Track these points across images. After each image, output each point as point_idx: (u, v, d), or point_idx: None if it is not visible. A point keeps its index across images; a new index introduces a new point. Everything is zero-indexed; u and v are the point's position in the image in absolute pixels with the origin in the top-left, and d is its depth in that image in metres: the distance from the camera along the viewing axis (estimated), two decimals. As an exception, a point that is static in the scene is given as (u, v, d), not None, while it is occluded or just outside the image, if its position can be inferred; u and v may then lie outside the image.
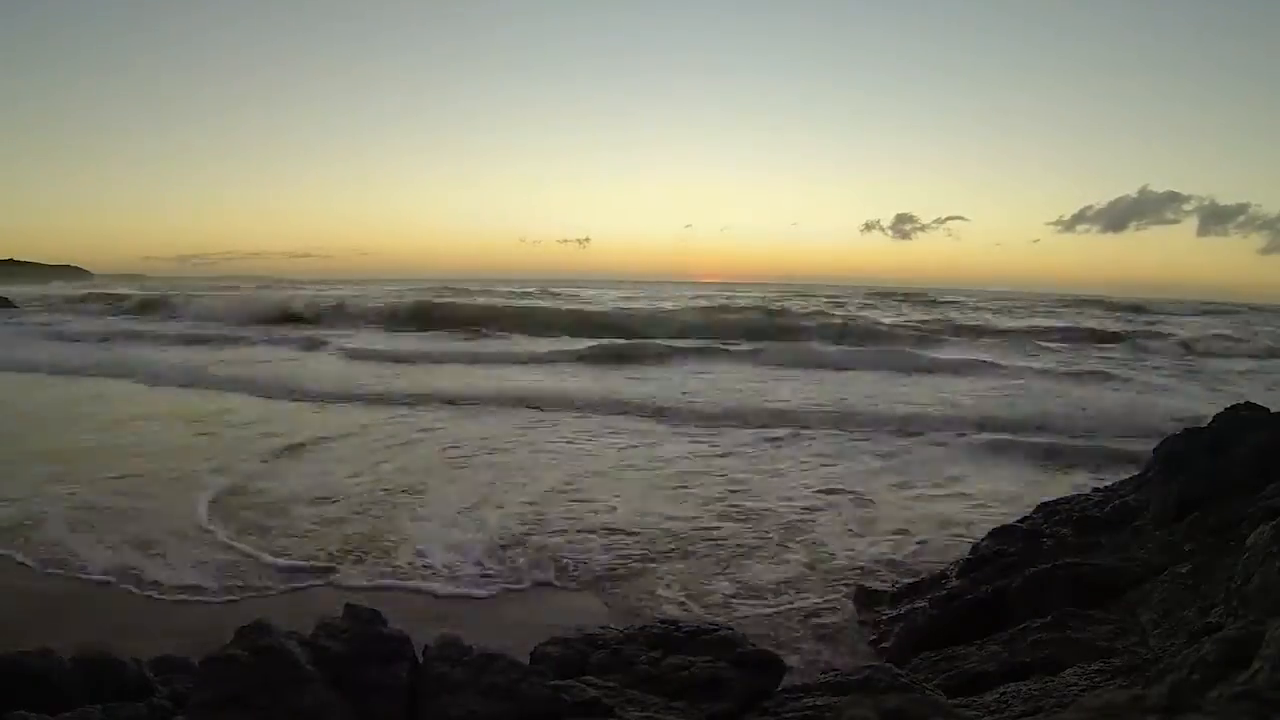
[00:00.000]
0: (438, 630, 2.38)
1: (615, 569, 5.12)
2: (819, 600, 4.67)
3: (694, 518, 6.15)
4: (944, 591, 4.25)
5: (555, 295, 40.16)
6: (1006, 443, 8.74)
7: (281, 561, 5.09)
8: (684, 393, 12.05)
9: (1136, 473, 4.90)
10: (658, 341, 19.12)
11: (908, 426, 9.72)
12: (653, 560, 5.28)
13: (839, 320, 25.94)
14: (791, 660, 3.54)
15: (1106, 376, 14.69)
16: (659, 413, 10.57)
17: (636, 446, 8.66)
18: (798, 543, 5.63)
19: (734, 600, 4.68)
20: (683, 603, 4.63)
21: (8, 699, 2.09)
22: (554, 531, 5.75)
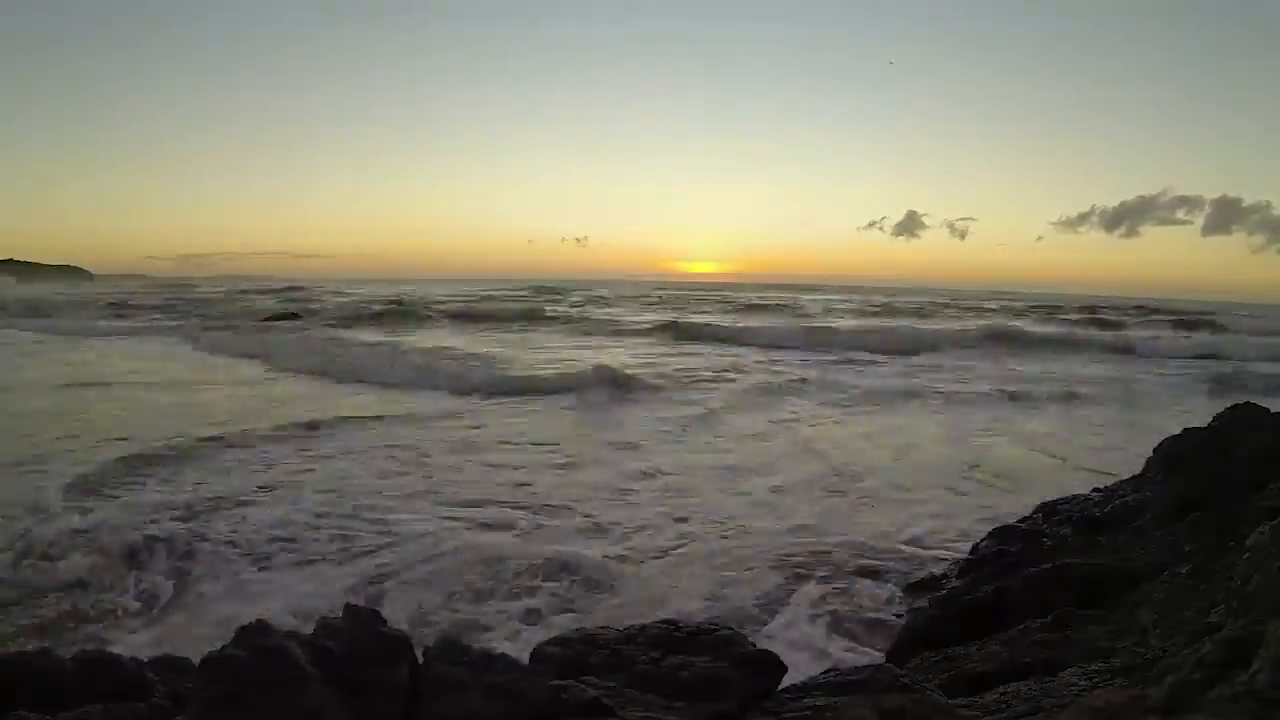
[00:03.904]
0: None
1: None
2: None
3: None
4: (944, 591, 4.25)
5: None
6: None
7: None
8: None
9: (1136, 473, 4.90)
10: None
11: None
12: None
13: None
14: (791, 660, 3.54)
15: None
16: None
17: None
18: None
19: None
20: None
21: (8, 699, 2.09)
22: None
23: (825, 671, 2.49)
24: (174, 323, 26.67)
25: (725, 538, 5.80)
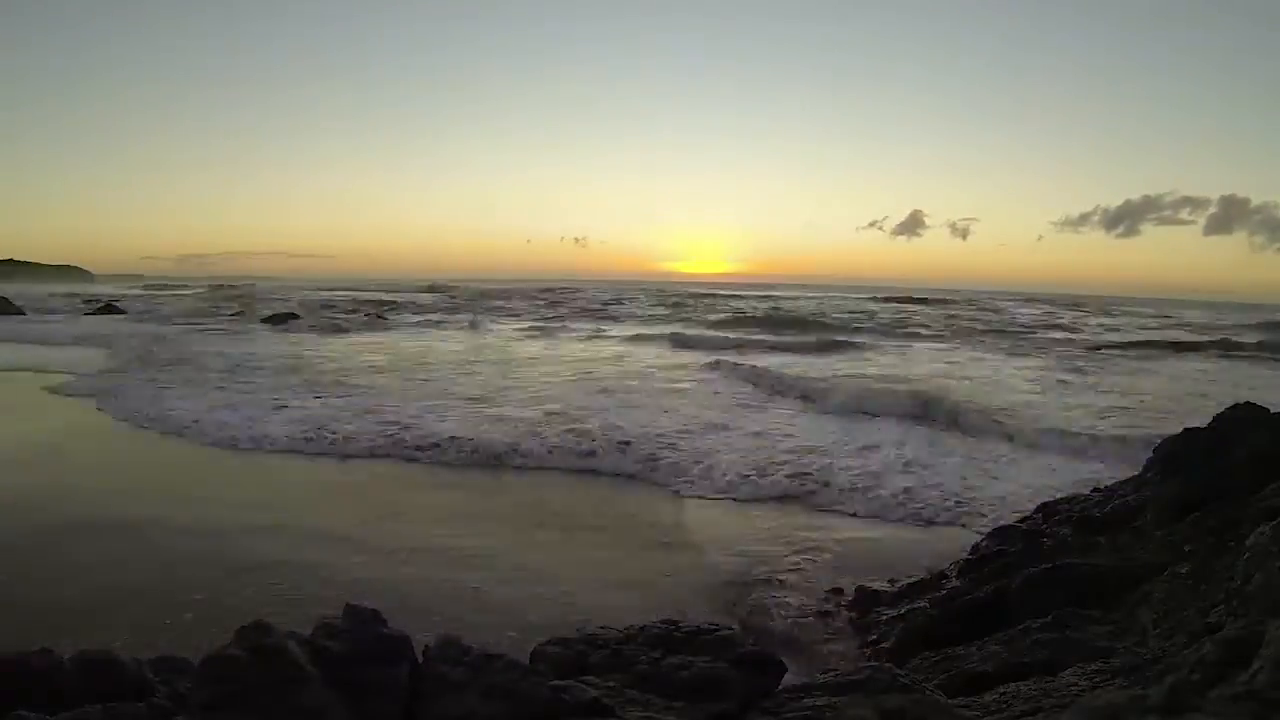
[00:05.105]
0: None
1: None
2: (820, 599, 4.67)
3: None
4: (944, 591, 4.25)
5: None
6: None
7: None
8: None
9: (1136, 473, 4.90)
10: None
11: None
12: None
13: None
14: (791, 660, 3.54)
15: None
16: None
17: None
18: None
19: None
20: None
21: (8, 699, 2.09)
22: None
23: (825, 671, 2.50)
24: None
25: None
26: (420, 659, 2.22)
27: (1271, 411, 4.36)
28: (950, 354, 20.26)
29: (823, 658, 3.95)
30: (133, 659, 2.44)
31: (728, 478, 7.38)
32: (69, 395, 11.73)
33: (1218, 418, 4.46)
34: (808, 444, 8.75)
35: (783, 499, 6.87)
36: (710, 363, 16.50)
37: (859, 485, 7.09)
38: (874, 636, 4.17)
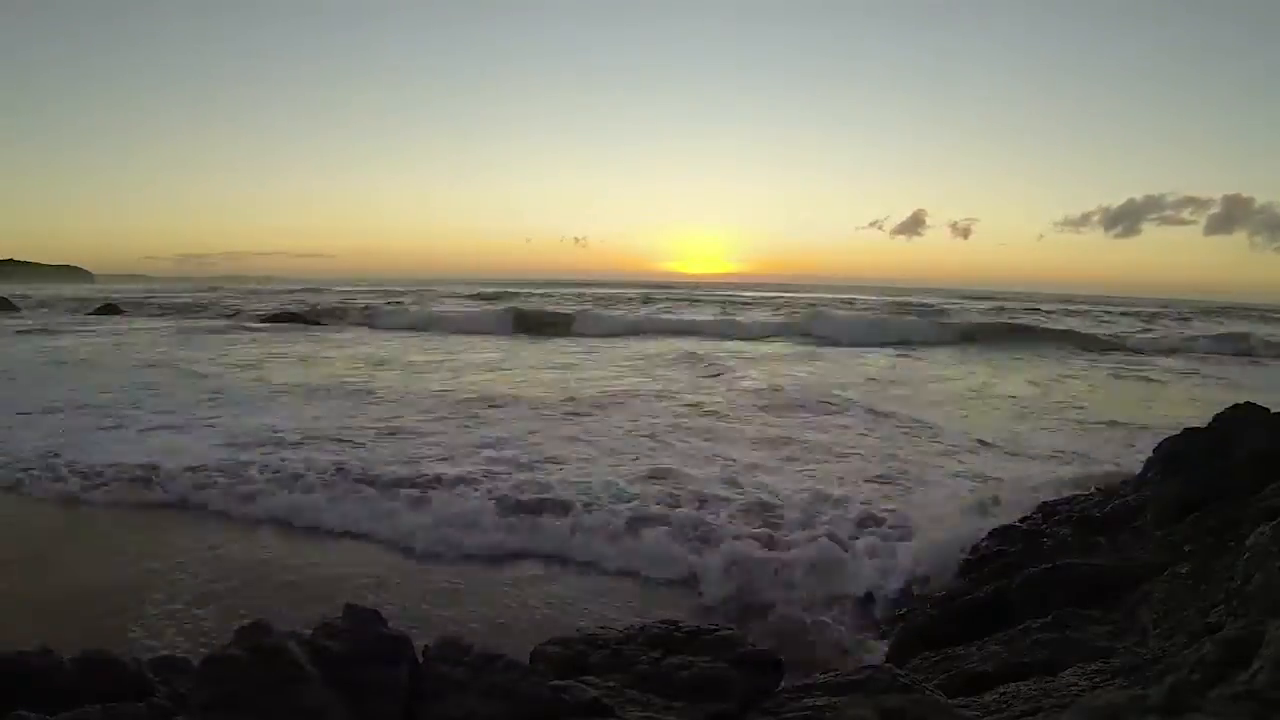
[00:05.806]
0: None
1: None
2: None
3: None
4: (944, 591, 4.25)
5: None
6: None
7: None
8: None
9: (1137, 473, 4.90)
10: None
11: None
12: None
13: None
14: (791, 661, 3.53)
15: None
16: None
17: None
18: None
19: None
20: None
21: (8, 699, 2.09)
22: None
23: (825, 671, 2.49)
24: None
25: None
26: (420, 659, 2.22)
27: (1272, 411, 4.36)
28: None
29: (823, 658, 3.95)
30: (133, 659, 2.44)
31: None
32: None
33: (1218, 417, 4.46)
34: None
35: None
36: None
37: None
38: (874, 637, 4.17)
